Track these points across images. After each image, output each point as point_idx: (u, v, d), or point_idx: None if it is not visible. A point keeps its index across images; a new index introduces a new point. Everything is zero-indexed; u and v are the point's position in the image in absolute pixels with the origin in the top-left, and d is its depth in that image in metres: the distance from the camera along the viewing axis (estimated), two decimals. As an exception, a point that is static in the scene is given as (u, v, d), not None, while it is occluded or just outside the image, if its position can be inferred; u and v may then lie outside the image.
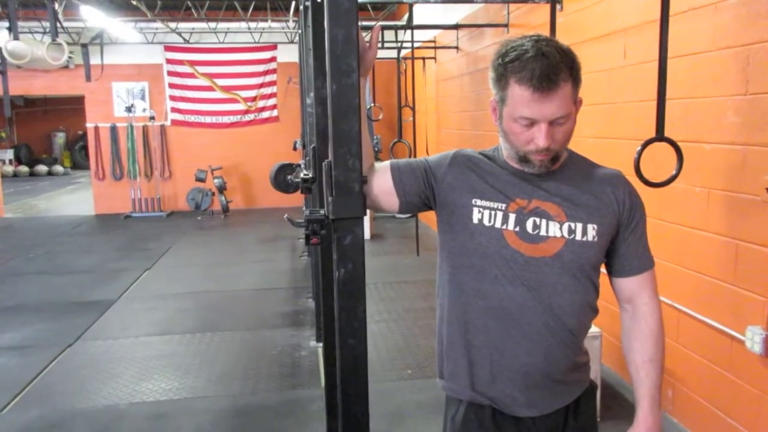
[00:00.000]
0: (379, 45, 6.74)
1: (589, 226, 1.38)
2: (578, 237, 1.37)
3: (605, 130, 3.71)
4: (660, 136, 2.50)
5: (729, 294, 2.70)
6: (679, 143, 2.53)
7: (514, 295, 1.38)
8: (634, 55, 3.37)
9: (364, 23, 8.71)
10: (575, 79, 1.30)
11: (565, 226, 1.37)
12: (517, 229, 1.37)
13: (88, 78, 10.48)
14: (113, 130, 11.13)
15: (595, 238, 1.38)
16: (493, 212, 1.39)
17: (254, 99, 11.35)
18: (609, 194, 1.41)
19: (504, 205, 1.39)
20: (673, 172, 2.55)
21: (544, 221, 1.37)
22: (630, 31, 3.40)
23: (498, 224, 1.38)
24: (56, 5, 6.55)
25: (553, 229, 1.37)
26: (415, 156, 6.15)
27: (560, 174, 1.41)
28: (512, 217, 1.38)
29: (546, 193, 1.39)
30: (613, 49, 3.58)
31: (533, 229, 1.37)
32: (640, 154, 2.52)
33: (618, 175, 1.46)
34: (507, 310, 1.39)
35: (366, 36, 1.46)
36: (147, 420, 3.49)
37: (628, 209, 1.42)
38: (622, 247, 1.43)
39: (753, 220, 2.53)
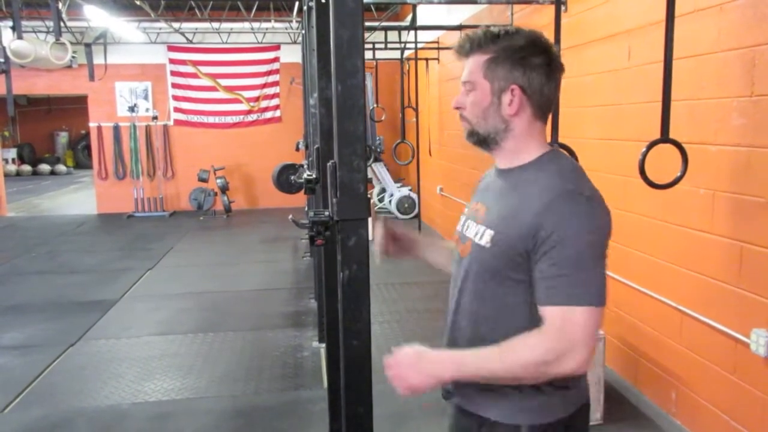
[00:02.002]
0: (383, 46, 6.74)
1: (488, 231, 1.33)
2: (477, 240, 1.36)
3: (610, 132, 3.70)
4: (665, 138, 2.49)
5: (733, 296, 2.68)
6: (684, 145, 2.52)
7: (451, 294, 1.47)
8: (639, 56, 3.36)
9: (368, 24, 8.71)
10: (499, 57, 1.30)
11: (480, 227, 1.37)
12: (459, 229, 1.47)
13: (92, 77, 10.48)
14: (116, 129, 11.14)
15: (488, 244, 1.31)
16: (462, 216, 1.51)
17: (257, 99, 11.37)
18: (530, 208, 1.26)
19: (466, 208, 1.50)
20: (678, 174, 2.54)
21: (471, 222, 1.42)
22: (635, 32, 3.39)
23: (458, 226, 1.50)
24: (60, 5, 6.55)
25: (472, 230, 1.40)
26: (418, 156, 6.12)
27: (514, 175, 1.37)
28: (462, 218, 1.49)
29: (487, 193, 1.43)
30: (617, 50, 3.56)
31: (464, 230, 1.44)
32: (645, 155, 2.51)
33: (555, 194, 1.25)
34: (450, 311, 1.46)
35: None
36: (149, 420, 3.49)
37: (544, 231, 1.22)
38: (535, 271, 1.26)
39: (758, 222, 2.52)
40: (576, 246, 1.20)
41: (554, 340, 1.20)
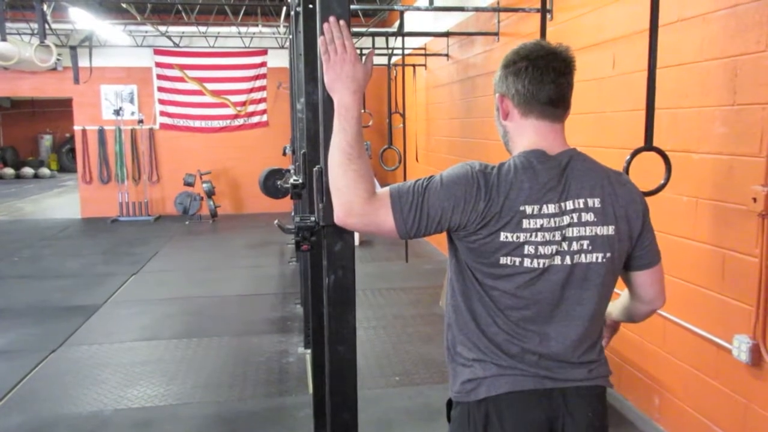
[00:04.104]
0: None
1: None
2: None
3: (594, 139, 3.73)
4: (649, 146, 2.51)
5: (716, 302, 2.71)
6: (667, 153, 2.55)
7: None
8: (624, 64, 3.39)
9: (356, 30, 8.72)
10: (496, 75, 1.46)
11: None
12: None
13: (77, 80, 10.41)
14: (101, 133, 11.05)
15: None
16: None
17: (244, 104, 11.34)
18: None
19: None
20: (662, 182, 2.56)
21: None
22: (619, 41, 3.43)
23: None
24: (45, 7, 6.51)
25: None
26: (405, 162, 6.14)
27: None
28: None
29: None
30: (602, 59, 3.60)
31: None
32: (629, 163, 2.53)
33: None
34: None
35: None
36: (132, 427, 3.45)
37: None
38: None
39: (740, 229, 2.55)
40: (434, 177, 1.38)
41: (365, 210, 1.34)
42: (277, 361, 4.37)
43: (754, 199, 2.41)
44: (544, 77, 1.38)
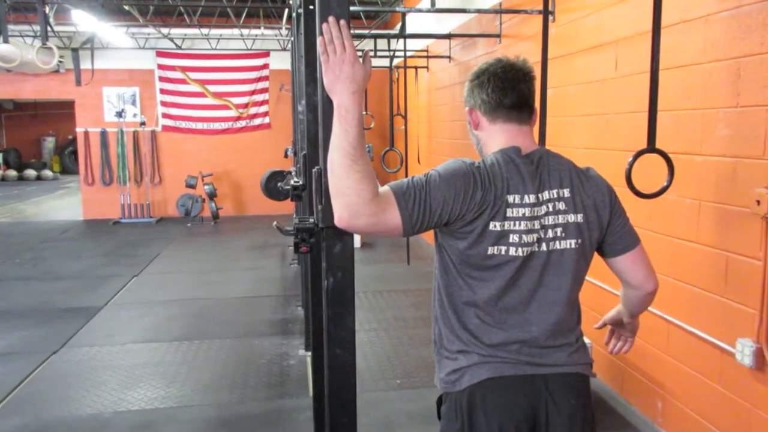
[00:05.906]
0: (372, 54, 6.75)
1: None
2: None
3: (597, 141, 3.72)
4: (651, 148, 2.50)
5: (719, 306, 2.69)
6: (670, 155, 2.53)
7: None
8: (626, 66, 3.38)
9: (358, 32, 8.73)
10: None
11: None
12: None
13: (79, 82, 10.43)
14: (103, 135, 11.07)
15: None
16: None
17: (246, 106, 11.35)
18: None
19: None
20: (664, 184, 2.55)
21: None
22: (621, 43, 3.41)
23: None
24: (47, 9, 6.51)
25: None
26: (407, 163, 6.13)
27: None
28: None
29: None
30: (604, 61, 3.59)
31: None
32: (631, 165, 2.52)
33: None
34: None
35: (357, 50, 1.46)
36: (132, 429, 3.44)
37: None
38: None
39: (743, 232, 2.53)
40: (430, 172, 1.44)
41: (371, 209, 1.34)
42: (278, 363, 4.35)
43: (758, 202, 2.40)
44: (505, 85, 1.51)
